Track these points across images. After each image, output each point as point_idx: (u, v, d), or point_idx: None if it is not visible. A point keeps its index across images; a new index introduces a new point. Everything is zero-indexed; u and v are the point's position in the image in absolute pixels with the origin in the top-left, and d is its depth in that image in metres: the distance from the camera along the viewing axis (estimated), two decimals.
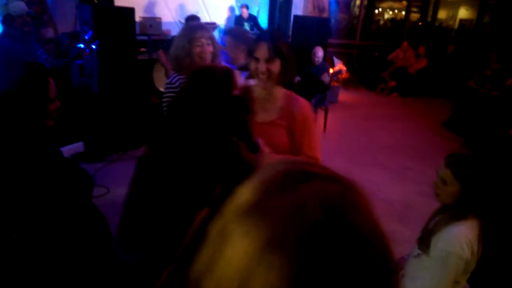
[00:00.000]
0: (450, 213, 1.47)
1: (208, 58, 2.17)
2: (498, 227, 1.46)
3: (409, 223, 3.32)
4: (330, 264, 0.40)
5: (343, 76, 8.17)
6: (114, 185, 3.78)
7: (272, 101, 1.73)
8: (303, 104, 1.79)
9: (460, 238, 1.41)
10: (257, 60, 1.62)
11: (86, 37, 3.77)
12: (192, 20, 4.60)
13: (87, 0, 4.15)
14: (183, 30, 2.30)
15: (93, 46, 3.75)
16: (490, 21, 9.88)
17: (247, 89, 1.68)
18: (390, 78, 8.68)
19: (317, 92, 5.74)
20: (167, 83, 2.17)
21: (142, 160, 1.49)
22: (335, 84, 7.73)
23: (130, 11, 4.22)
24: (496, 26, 9.32)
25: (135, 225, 1.46)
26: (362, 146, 5.43)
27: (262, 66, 1.61)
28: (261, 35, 1.76)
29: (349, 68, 8.61)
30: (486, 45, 8.38)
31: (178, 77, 2.16)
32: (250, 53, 1.64)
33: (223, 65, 1.72)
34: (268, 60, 1.61)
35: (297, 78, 5.68)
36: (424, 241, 1.52)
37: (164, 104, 2.14)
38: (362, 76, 9.30)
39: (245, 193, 0.49)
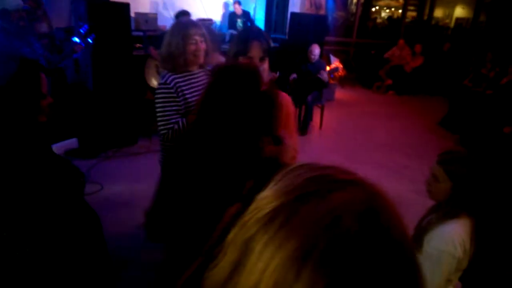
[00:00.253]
0: (442, 211, 1.47)
1: (202, 55, 2.11)
2: (490, 225, 1.45)
3: (405, 221, 3.33)
4: (366, 274, 0.38)
5: (339, 73, 8.15)
6: (108, 182, 3.76)
7: None
8: (286, 97, 1.80)
9: (452, 237, 1.41)
10: (250, 59, 1.64)
11: (82, 31, 3.72)
12: (182, 16, 4.55)
13: None
14: (175, 26, 2.18)
15: (89, 40, 3.70)
16: (486, 20, 9.91)
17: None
18: (386, 76, 8.69)
19: (314, 89, 5.73)
20: (161, 84, 2.07)
21: (173, 155, 1.46)
22: (332, 81, 7.72)
23: (125, 6, 4.19)
24: (492, 25, 9.34)
25: (164, 216, 1.43)
26: (358, 144, 5.43)
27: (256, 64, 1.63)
28: (252, 34, 1.74)
29: (345, 66, 8.60)
30: (481, 43, 8.40)
31: (172, 76, 2.06)
32: (241, 53, 1.64)
33: (245, 62, 1.66)
34: (261, 59, 1.65)
35: (293, 76, 5.67)
36: (417, 240, 1.52)
37: (158, 105, 2.05)
38: (359, 74, 9.30)
39: (270, 200, 0.45)
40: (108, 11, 4.02)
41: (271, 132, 1.49)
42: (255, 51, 1.63)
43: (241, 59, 1.64)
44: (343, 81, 8.54)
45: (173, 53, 2.05)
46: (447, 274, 1.43)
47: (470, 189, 1.41)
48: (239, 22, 7.32)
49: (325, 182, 0.46)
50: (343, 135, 5.87)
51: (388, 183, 4.28)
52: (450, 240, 1.41)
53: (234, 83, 1.31)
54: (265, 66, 1.65)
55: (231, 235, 0.47)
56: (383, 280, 0.38)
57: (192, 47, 2.05)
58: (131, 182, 3.73)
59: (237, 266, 0.44)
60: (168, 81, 2.05)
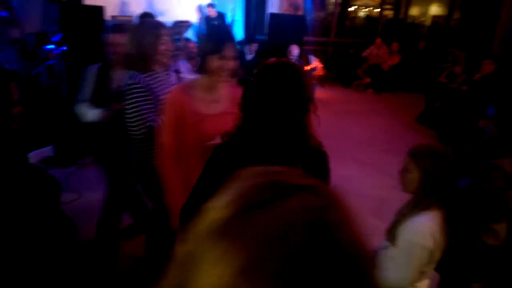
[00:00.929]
0: (413, 202, 1.50)
1: (169, 55, 2.17)
2: (458, 216, 1.49)
3: (383, 216, 3.37)
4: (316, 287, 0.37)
5: (318, 73, 8.22)
6: (86, 190, 3.69)
7: (220, 92, 1.88)
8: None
9: (423, 229, 1.44)
10: (223, 58, 1.72)
11: (57, 39, 3.66)
12: (147, 18, 4.49)
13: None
14: (145, 26, 2.18)
15: (64, 48, 3.63)
16: (460, 17, 10.15)
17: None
18: (365, 75, 8.81)
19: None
20: (132, 84, 2.05)
21: (220, 147, 1.47)
22: (311, 81, 7.78)
23: (100, 10, 4.12)
24: (465, 22, 9.58)
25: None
26: (338, 142, 5.48)
27: (230, 64, 1.75)
28: (228, 36, 1.82)
29: (324, 65, 8.68)
30: (456, 41, 8.60)
31: (141, 76, 2.05)
32: (215, 52, 1.70)
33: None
34: (234, 58, 1.77)
35: None
36: (391, 233, 1.55)
37: (132, 106, 2.03)
38: (338, 73, 9.40)
39: (217, 211, 0.43)
40: (82, 15, 3.96)
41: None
42: (230, 51, 1.72)
43: (216, 57, 1.71)
44: (323, 81, 8.61)
45: (146, 52, 2.06)
46: (419, 266, 1.46)
47: (437, 180, 1.44)
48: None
49: (274, 189, 0.44)
50: (323, 133, 5.86)
51: (368, 180, 4.35)
52: (420, 232, 1.44)
53: (288, 79, 1.34)
54: (236, 64, 1.79)
55: (179, 249, 0.44)
56: None
57: (163, 47, 2.09)
58: None
59: (184, 282, 0.41)
60: (138, 81, 2.05)
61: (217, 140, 1.61)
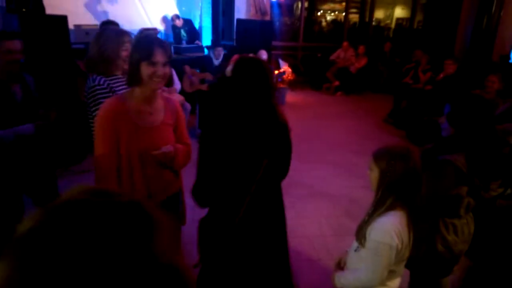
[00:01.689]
0: (375, 201, 1.54)
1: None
2: (418, 214, 1.54)
3: (355, 217, 3.44)
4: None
5: (288, 77, 8.32)
6: None
7: (156, 103, 1.85)
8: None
9: (388, 228, 1.47)
10: (153, 64, 1.67)
11: None
12: (109, 25, 4.43)
13: (14, 9, 3.88)
14: (109, 33, 2.27)
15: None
16: (423, 20, 10.52)
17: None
18: (334, 78, 8.98)
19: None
20: (95, 86, 2.13)
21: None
22: (281, 85, 7.86)
23: (63, 19, 4.02)
24: (428, 24, 9.94)
25: (206, 185, 1.82)
26: (309, 145, 5.55)
27: (160, 70, 1.69)
28: (155, 41, 1.75)
29: (294, 70, 8.79)
30: (419, 42, 8.91)
31: (103, 79, 2.17)
32: (145, 58, 1.67)
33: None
34: (164, 64, 1.71)
35: None
36: (360, 233, 1.58)
37: (95, 108, 2.11)
38: (308, 77, 9.54)
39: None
40: (44, 24, 3.84)
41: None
42: (159, 56, 1.68)
43: (146, 64, 1.69)
44: (293, 85, 8.72)
45: (108, 57, 2.18)
46: (388, 265, 1.49)
47: (393, 179, 1.48)
48: (183, 32, 7.29)
49: (64, 210, 0.45)
50: (295, 137, 5.90)
51: (339, 181, 4.42)
52: (386, 232, 1.47)
53: (256, 74, 1.73)
54: (168, 71, 1.75)
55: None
56: None
57: (125, 53, 2.19)
58: None
59: None
60: (101, 83, 2.16)
61: (166, 149, 1.78)
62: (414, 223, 1.52)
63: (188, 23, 7.48)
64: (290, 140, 1.90)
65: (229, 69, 1.96)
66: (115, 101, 1.76)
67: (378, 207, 1.52)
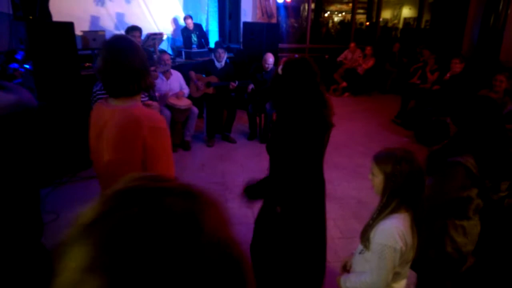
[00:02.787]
0: (381, 205, 1.53)
1: None
2: (423, 216, 1.52)
3: (363, 219, 3.41)
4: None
5: None
6: (64, 209, 3.61)
7: None
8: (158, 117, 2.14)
9: (392, 231, 1.46)
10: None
11: (19, 57, 3.58)
12: (133, 31, 4.49)
13: (21, 16, 3.94)
14: (105, 44, 2.31)
15: (27, 66, 3.56)
16: (431, 19, 10.43)
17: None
18: (341, 79, 8.93)
19: (271, 97, 5.78)
20: (97, 91, 2.21)
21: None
22: None
23: (69, 25, 4.06)
24: (435, 24, 9.85)
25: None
26: None
27: None
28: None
29: None
30: (427, 42, 8.83)
31: None
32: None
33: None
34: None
35: (251, 86, 5.69)
36: (365, 236, 1.57)
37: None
38: None
39: (86, 214, 0.47)
40: (51, 32, 3.89)
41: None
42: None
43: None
44: None
45: (103, 68, 2.14)
46: (392, 267, 1.48)
47: (398, 182, 1.47)
48: (194, 37, 7.32)
49: (132, 193, 0.48)
50: None
51: (347, 183, 4.39)
52: (390, 234, 1.46)
53: (306, 72, 2.03)
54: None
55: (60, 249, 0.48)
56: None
57: None
58: None
59: (55, 280, 0.44)
60: (103, 88, 2.13)
61: None
62: (418, 225, 1.50)
63: (198, 28, 7.51)
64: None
65: (279, 69, 2.12)
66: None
67: (383, 211, 1.51)
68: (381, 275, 1.48)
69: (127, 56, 1.48)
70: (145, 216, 0.44)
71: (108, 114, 1.52)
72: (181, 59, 6.93)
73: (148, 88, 1.61)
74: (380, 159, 1.53)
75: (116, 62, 1.47)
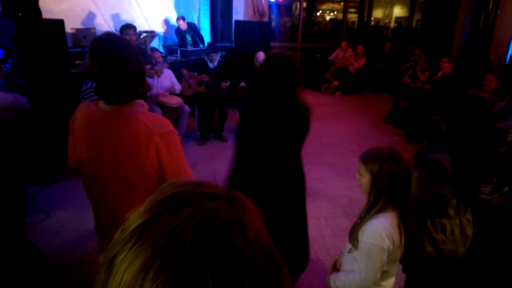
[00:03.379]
0: (368, 204, 1.54)
1: None
2: (409, 214, 1.53)
3: (354, 217, 3.43)
4: (203, 281, 0.41)
5: None
6: (54, 208, 3.58)
7: None
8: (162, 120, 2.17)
9: (379, 230, 1.47)
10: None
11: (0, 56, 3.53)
12: (127, 29, 4.47)
13: (11, 13, 3.88)
14: (101, 48, 2.31)
15: (7, 65, 3.51)
16: (422, 19, 10.52)
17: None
18: (333, 78, 8.97)
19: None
20: (88, 88, 2.22)
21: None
22: None
23: (60, 23, 4.02)
24: (426, 23, 9.93)
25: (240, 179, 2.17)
26: (309, 146, 5.52)
27: None
28: None
29: None
30: (418, 41, 8.90)
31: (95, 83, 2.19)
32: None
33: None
34: None
35: (242, 83, 5.70)
36: (353, 235, 1.58)
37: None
38: (307, 77, 9.54)
39: (135, 219, 0.48)
40: (40, 29, 3.84)
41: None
42: None
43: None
44: None
45: (102, 74, 2.13)
46: (380, 266, 1.49)
47: (384, 181, 1.48)
48: (188, 37, 7.30)
49: (179, 198, 0.50)
50: None
51: (338, 181, 4.42)
52: (377, 233, 1.47)
53: (283, 66, 2.04)
54: None
55: (102, 256, 0.49)
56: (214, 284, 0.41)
57: None
58: (79, 207, 3.57)
59: (104, 286, 0.46)
60: (93, 86, 2.24)
61: None
62: (405, 224, 1.51)
63: (192, 27, 7.49)
64: (309, 122, 2.15)
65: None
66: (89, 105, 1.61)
67: (370, 210, 1.52)
68: (369, 273, 1.50)
69: (127, 58, 1.36)
70: (194, 219, 0.46)
71: (105, 117, 1.43)
72: (173, 57, 6.91)
73: (145, 94, 1.52)
74: (367, 158, 1.54)
75: (115, 65, 1.34)
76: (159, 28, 7.66)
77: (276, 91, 2.00)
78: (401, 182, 1.48)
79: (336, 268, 1.78)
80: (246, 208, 0.52)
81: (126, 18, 6.73)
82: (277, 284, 0.48)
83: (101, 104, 1.45)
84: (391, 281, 1.62)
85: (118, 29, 4.86)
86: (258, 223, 0.51)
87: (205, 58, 5.58)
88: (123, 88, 1.37)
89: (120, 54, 1.34)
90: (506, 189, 2.11)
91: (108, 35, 1.40)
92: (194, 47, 7.21)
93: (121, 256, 0.45)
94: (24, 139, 4.00)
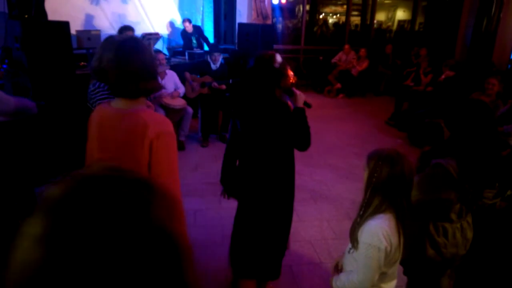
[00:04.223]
0: (365, 202, 1.55)
1: None
2: (409, 217, 1.54)
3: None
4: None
5: (291, 81, 8.32)
6: None
7: None
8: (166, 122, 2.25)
9: (377, 231, 1.49)
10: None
11: None
12: (126, 31, 4.49)
13: (17, 15, 3.92)
14: (107, 42, 2.32)
15: (4, 66, 3.54)
16: (424, 21, 10.53)
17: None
18: (336, 80, 8.98)
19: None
20: (96, 88, 2.28)
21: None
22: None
23: (65, 24, 4.05)
24: (429, 26, 9.94)
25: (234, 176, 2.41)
26: (312, 148, 5.50)
27: None
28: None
29: (296, 73, 8.81)
30: (420, 44, 8.92)
31: (103, 83, 2.26)
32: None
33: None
34: None
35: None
36: (353, 236, 1.59)
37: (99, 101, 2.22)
38: (310, 80, 9.56)
39: (54, 190, 0.54)
40: (46, 31, 3.87)
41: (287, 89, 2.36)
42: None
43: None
44: (296, 87, 8.73)
45: (104, 67, 2.13)
46: (378, 267, 1.50)
47: (379, 180, 1.50)
48: (193, 40, 7.34)
49: (92, 182, 0.55)
50: None
51: (341, 184, 4.43)
52: (375, 234, 1.48)
53: (265, 65, 2.34)
54: None
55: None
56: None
57: None
58: None
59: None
60: (101, 86, 2.26)
61: None
62: (404, 226, 1.52)
63: (197, 29, 7.53)
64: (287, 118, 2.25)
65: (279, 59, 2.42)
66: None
67: (367, 208, 1.54)
68: (366, 274, 1.51)
69: (136, 51, 1.47)
70: (98, 201, 0.51)
71: (113, 116, 1.50)
72: (176, 59, 6.94)
73: (149, 92, 1.56)
74: (369, 155, 1.58)
75: (114, 61, 1.46)
76: (164, 31, 7.70)
77: (255, 89, 2.20)
78: (397, 183, 1.48)
79: (338, 269, 1.79)
80: (157, 195, 0.56)
81: (131, 20, 6.76)
82: (172, 265, 0.53)
83: (114, 102, 1.53)
84: (392, 283, 1.63)
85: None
86: (168, 212, 0.56)
87: (208, 59, 5.60)
88: (121, 83, 1.46)
89: (121, 52, 1.45)
90: (508, 193, 2.12)
91: (121, 38, 1.55)
92: (199, 49, 7.26)
93: (32, 222, 0.50)
94: (32, 140, 4.03)
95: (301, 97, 2.34)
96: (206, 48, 7.38)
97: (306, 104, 2.41)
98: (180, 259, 0.54)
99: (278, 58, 5.01)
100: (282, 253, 2.48)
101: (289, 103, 2.36)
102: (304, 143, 2.26)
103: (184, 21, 7.27)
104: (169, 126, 1.51)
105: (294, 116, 2.24)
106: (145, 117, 1.46)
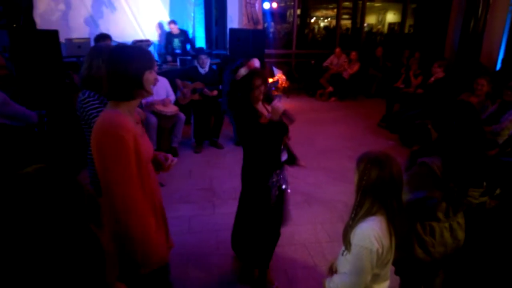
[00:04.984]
0: (357, 204, 1.56)
1: None
2: (399, 219, 1.55)
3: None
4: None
5: (282, 84, 8.37)
6: None
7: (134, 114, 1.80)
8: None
9: (368, 233, 1.50)
10: (153, 70, 1.69)
11: None
12: (103, 39, 4.46)
13: (4, 25, 3.91)
14: (95, 50, 2.30)
15: None
16: (414, 24, 10.63)
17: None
18: (328, 84, 9.03)
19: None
20: (89, 97, 2.22)
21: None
22: (276, 93, 7.90)
23: (54, 33, 4.04)
24: (418, 28, 10.04)
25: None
26: (305, 151, 5.56)
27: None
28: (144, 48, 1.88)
29: (288, 77, 8.85)
30: (410, 46, 9.00)
31: (93, 92, 2.22)
32: (148, 67, 1.62)
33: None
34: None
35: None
36: (346, 238, 1.60)
37: (93, 115, 2.17)
38: (302, 84, 9.60)
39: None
40: (34, 40, 3.86)
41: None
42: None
43: (148, 72, 1.71)
44: (288, 92, 8.77)
45: (97, 74, 2.16)
46: (370, 268, 1.51)
47: (369, 182, 1.51)
48: (177, 42, 7.32)
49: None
50: (292, 143, 5.99)
51: (334, 186, 4.44)
52: (366, 236, 1.49)
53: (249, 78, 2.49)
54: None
55: None
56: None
57: None
58: None
59: None
60: (91, 95, 2.20)
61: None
62: (395, 227, 1.53)
63: (183, 33, 7.53)
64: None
65: (242, 72, 2.68)
66: (122, 117, 1.57)
67: (358, 210, 1.55)
68: (358, 276, 1.52)
69: (122, 56, 1.56)
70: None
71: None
72: (167, 66, 6.93)
73: (129, 96, 1.59)
74: (359, 158, 1.59)
75: (114, 60, 1.57)
76: (154, 37, 7.70)
77: (235, 96, 2.50)
78: (386, 185, 1.49)
79: (332, 271, 1.79)
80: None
81: (121, 27, 6.76)
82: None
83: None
84: (385, 284, 1.64)
85: (116, 38, 4.88)
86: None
87: (196, 63, 5.60)
88: (105, 83, 1.57)
89: (115, 53, 1.57)
90: (497, 191, 2.14)
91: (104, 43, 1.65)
92: (183, 53, 7.24)
93: None
94: (21, 147, 3.99)
95: (278, 110, 2.28)
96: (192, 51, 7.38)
97: (287, 117, 2.38)
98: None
99: (242, 71, 5.14)
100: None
101: (266, 114, 2.43)
102: (263, 154, 2.48)
103: (169, 23, 7.29)
104: (120, 129, 1.53)
105: (266, 127, 2.31)
106: (104, 117, 1.57)
